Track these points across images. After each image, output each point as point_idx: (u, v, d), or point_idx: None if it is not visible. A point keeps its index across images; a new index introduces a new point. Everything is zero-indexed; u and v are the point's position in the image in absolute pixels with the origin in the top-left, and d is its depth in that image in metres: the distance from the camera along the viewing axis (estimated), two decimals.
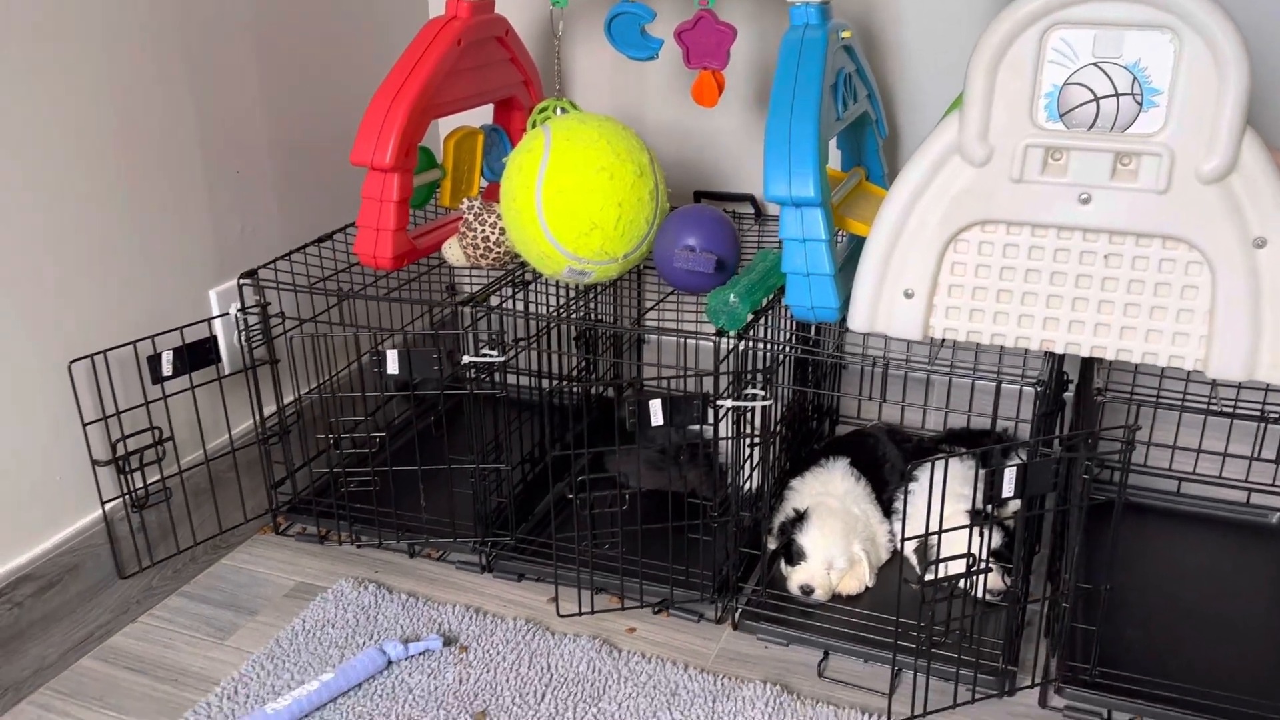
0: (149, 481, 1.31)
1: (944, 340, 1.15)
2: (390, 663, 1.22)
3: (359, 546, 1.46)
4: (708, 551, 1.32)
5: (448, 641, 1.26)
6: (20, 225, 1.14)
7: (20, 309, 1.16)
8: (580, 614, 1.32)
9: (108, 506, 1.27)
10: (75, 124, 1.19)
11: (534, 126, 1.37)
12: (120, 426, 1.27)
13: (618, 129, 1.26)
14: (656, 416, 1.18)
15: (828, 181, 1.15)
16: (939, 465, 1.35)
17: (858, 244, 1.23)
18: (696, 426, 1.43)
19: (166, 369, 1.29)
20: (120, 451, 1.27)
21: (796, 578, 1.31)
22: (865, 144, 1.42)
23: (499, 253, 1.38)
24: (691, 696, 1.17)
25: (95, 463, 1.25)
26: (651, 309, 1.54)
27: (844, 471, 1.43)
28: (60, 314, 1.20)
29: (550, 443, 1.55)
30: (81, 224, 1.21)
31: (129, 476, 1.28)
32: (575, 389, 1.59)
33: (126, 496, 1.29)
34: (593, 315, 1.66)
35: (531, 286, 1.37)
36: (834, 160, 1.43)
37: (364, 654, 1.21)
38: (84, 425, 1.23)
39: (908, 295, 1.12)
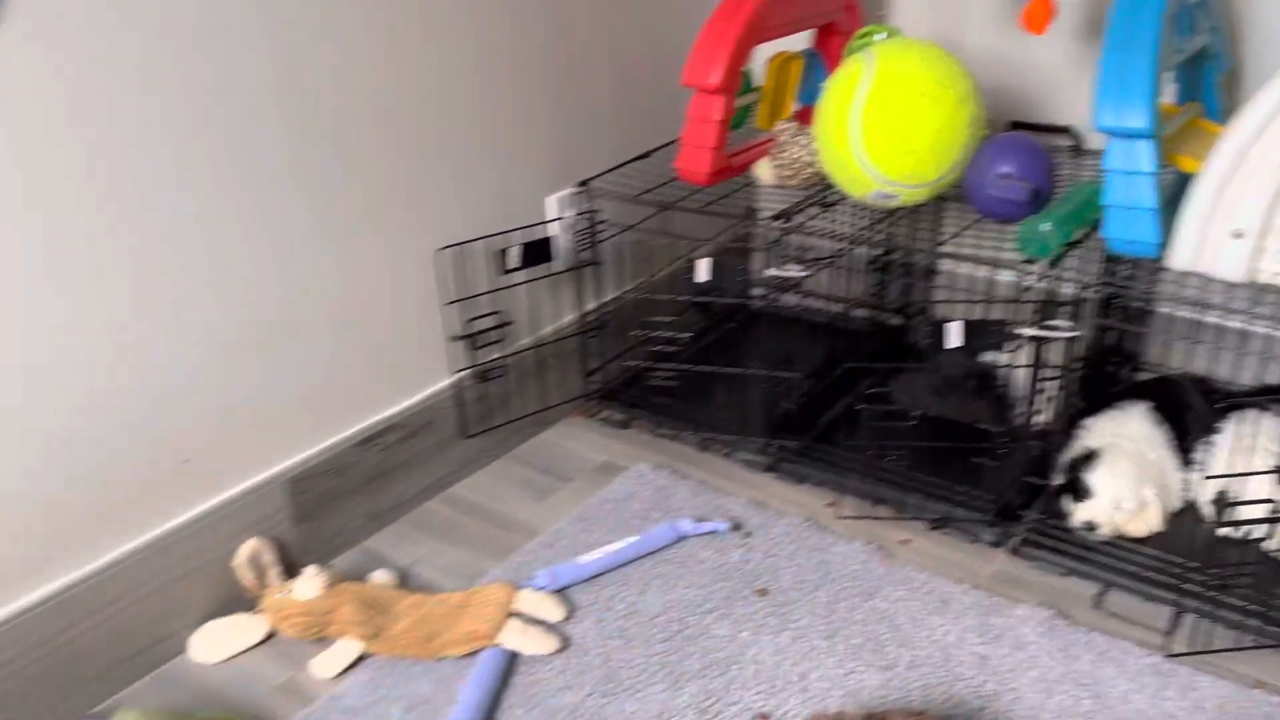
0: (491, 359, 1.52)
1: (1271, 285, 1.11)
2: (681, 538, 1.36)
3: (657, 435, 1.61)
4: (990, 477, 1.35)
5: (734, 527, 1.38)
6: (406, 138, 1.34)
7: (405, 205, 1.36)
8: (858, 519, 1.40)
9: (457, 376, 1.48)
10: (445, 55, 1.36)
11: (854, 52, 1.41)
12: (473, 309, 1.47)
13: (940, 54, 1.28)
14: (955, 338, 1.23)
15: (1160, 114, 1.13)
16: (1248, 416, 1.31)
17: (1179, 181, 1.19)
18: (988, 355, 1.45)
19: (513, 262, 1.47)
20: (470, 330, 1.47)
21: (1081, 514, 1.32)
22: (1203, 78, 1.35)
23: (808, 174, 1.45)
24: (963, 608, 1.23)
25: (451, 337, 1.46)
26: (952, 237, 1.56)
27: (1144, 415, 1.40)
28: (431, 210, 1.40)
29: (838, 360, 1.62)
30: (448, 137, 1.40)
31: (476, 353, 1.49)
32: (867, 312, 1.65)
33: (472, 369, 1.50)
34: (891, 240, 1.70)
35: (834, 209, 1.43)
36: (1168, 94, 1.37)
37: (659, 527, 1.36)
38: (444, 305, 1.44)
39: (1237, 235, 1.09)
